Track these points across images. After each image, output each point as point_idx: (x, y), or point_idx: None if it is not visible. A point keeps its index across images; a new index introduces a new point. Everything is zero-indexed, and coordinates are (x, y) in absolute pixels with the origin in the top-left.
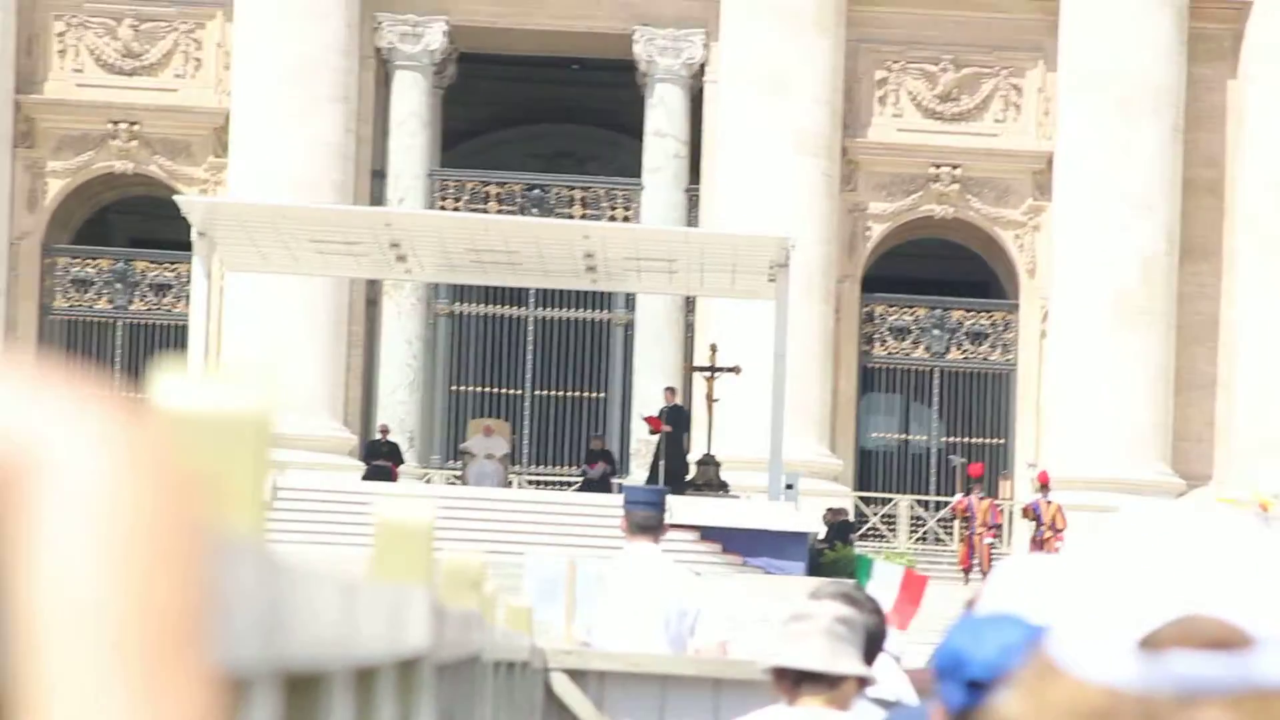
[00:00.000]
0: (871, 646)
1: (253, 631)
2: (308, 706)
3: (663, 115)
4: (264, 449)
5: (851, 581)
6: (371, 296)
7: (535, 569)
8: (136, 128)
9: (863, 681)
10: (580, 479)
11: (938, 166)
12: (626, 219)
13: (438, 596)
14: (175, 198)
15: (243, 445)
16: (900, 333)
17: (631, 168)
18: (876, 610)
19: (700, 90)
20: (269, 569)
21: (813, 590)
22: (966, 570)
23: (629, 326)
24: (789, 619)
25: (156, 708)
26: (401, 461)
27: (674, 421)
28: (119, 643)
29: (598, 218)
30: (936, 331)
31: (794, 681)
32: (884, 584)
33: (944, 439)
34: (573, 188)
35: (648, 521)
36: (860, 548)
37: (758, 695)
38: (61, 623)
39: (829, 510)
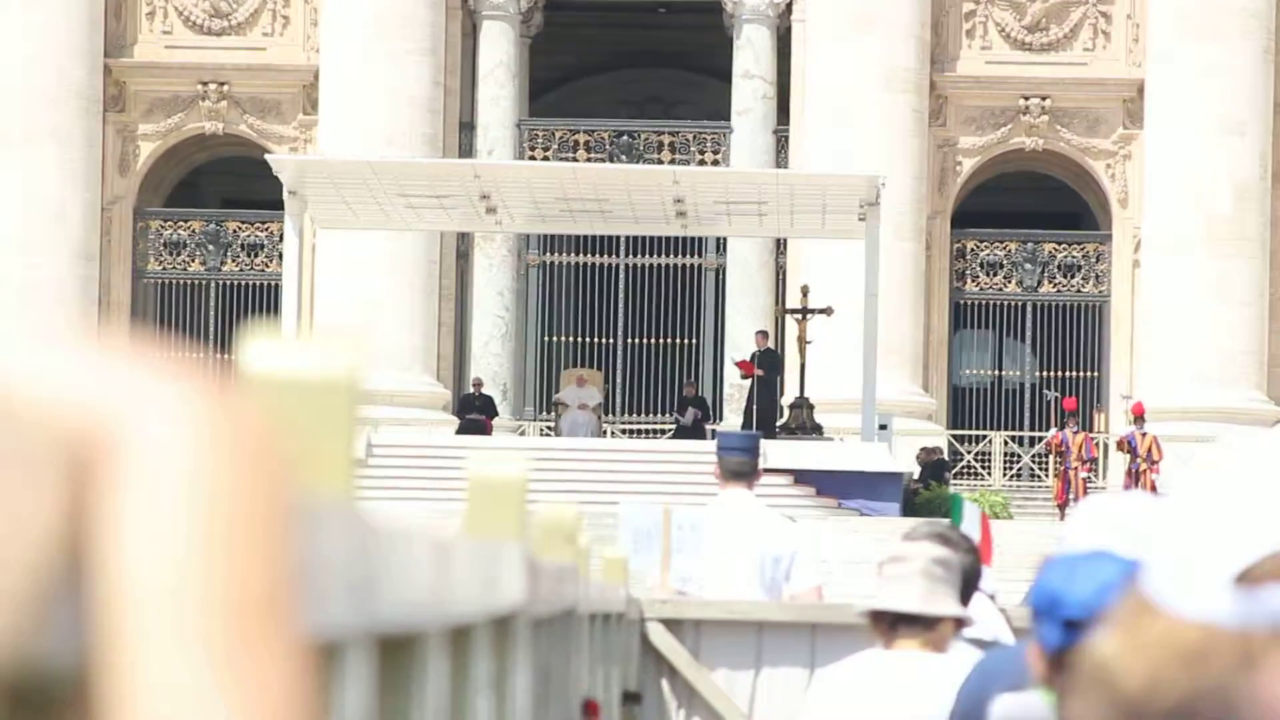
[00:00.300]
0: (967, 586)
1: (344, 595)
2: (402, 667)
3: (750, 56)
4: (353, 412)
5: (946, 521)
6: (462, 249)
7: (629, 518)
8: (226, 88)
9: (960, 622)
10: (674, 426)
11: (1027, 98)
12: (715, 162)
13: (532, 551)
14: (266, 156)
15: (332, 409)
16: (992, 268)
17: (720, 111)
18: (971, 549)
19: (788, 30)
20: (360, 532)
21: (907, 532)
22: (1063, 505)
23: (720, 271)
24: (885, 561)
25: (246, 683)
26: (495, 414)
27: (766, 365)
28: (206, 619)
29: (686, 162)
30: (1028, 265)
31: (890, 624)
32: (971, 523)
33: (1037, 374)
34: (661, 133)
35: (741, 468)
36: (955, 486)
37: (855, 639)
38: (147, 601)
39: (923, 449)
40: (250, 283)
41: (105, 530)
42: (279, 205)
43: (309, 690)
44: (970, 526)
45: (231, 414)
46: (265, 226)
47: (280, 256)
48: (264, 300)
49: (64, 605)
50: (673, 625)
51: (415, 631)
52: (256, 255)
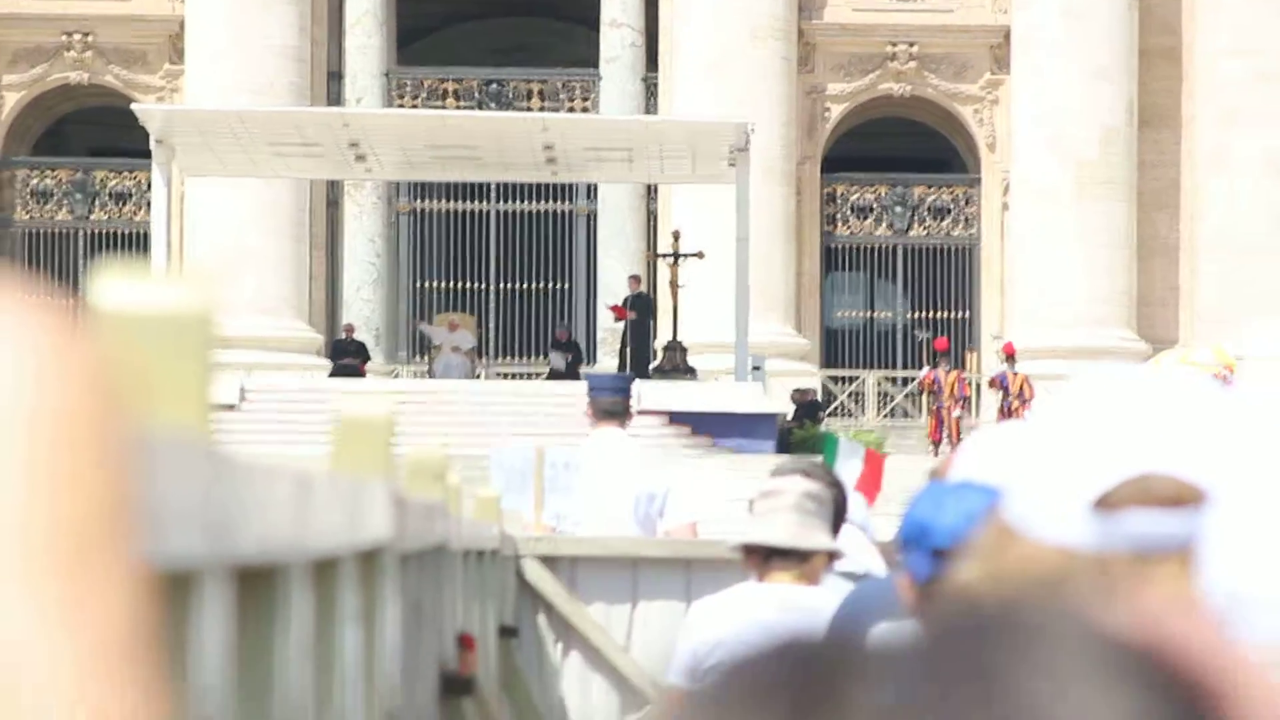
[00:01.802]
0: (836, 519)
1: (196, 527)
2: (264, 599)
3: (618, 4)
4: (207, 348)
5: (811, 457)
6: (332, 197)
7: (501, 459)
8: (90, 38)
9: (832, 556)
10: (547, 370)
11: (894, 45)
12: (585, 110)
13: (399, 488)
14: (133, 106)
15: (185, 345)
16: (862, 211)
17: (589, 59)
18: (836, 483)
19: None
20: (213, 466)
21: (775, 467)
22: (936, 443)
23: (591, 216)
24: (757, 496)
25: (77, 611)
26: (369, 359)
27: (639, 309)
28: (36, 547)
29: (556, 109)
30: (898, 209)
31: (764, 558)
32: (848, 461)
33: (909, 314)
34: (530, 80)
35: (614, 407)
36: (829, 425)
37: (729, 574)
38: None
39: (796, 390)
40: (119, 231)
41: None
42: (147, 154)
43: (148, 618)
44: (848, 463)
45: (66, 344)
46: (134, 175)
47: (149, 205)
48: (134, 248)
49: None
50: (548, 562)
51: (277, 564)
52: (125, 204)
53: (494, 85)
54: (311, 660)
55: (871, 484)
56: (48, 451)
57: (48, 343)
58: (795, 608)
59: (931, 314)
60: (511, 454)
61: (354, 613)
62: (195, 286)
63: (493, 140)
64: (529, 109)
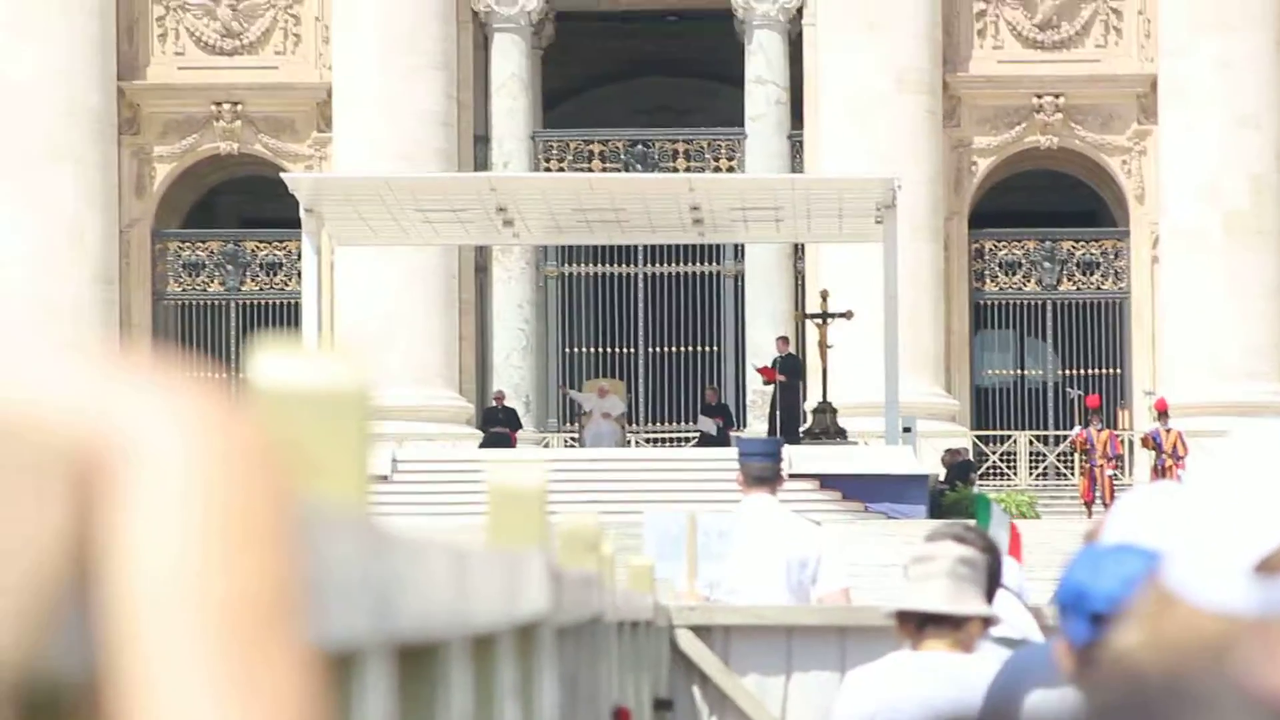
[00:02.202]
0: (990, 585)
1: (359, 605)
2: (424, 676)
3: (762, 62)
4: (365, 422)
5: (965, 521)
6: (480, 263)
7: (654, 526)
8: (239, 108)
9: (987, 621)
10: (697, 435)
11: (1040, 96)
12: (730, 169)
13: (554, 559)
14: (282, 175)
15: (343, 420)
16: (1011, 267)
17: (733, 117)
18: (990, 547)
19: (799, 34)
20: (374, 542)
21: (929, 533)
22: (1089, 504)
23: (739, 277)
24: (910, 562)
25: (253, 690)
26: (519, 427)
27: (788, 370)
28: (210, 629)
29: (702, 169)
30: (1047, 264)
31: (918, 625)
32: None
33: (1060, 372)
34: (675, 140)
35: (764, 473)
36: (981, 487)
37: (883, 641)
38: (152, 612)
39: (948, 451)
40: (270, 302)
41: (112, 542)
42: (296, 224)
43: (317, 698)
44: (997, 528)
45: (234, 425)
46: (283, 245)
47: (299, 275)
48: (285, 319)
49: (73, 619)
50: (702, 632)
51: (436, 641)
52: (275, 274)
53: (639, 146)
54: None
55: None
56: (221, 530)
57: (215, 421)
58: (951, 677)
59: (1082, 371)
60: (665, 520)
61: (512, 688)
62: (351, 358)
63: (639, 202)
64: (675, 169)
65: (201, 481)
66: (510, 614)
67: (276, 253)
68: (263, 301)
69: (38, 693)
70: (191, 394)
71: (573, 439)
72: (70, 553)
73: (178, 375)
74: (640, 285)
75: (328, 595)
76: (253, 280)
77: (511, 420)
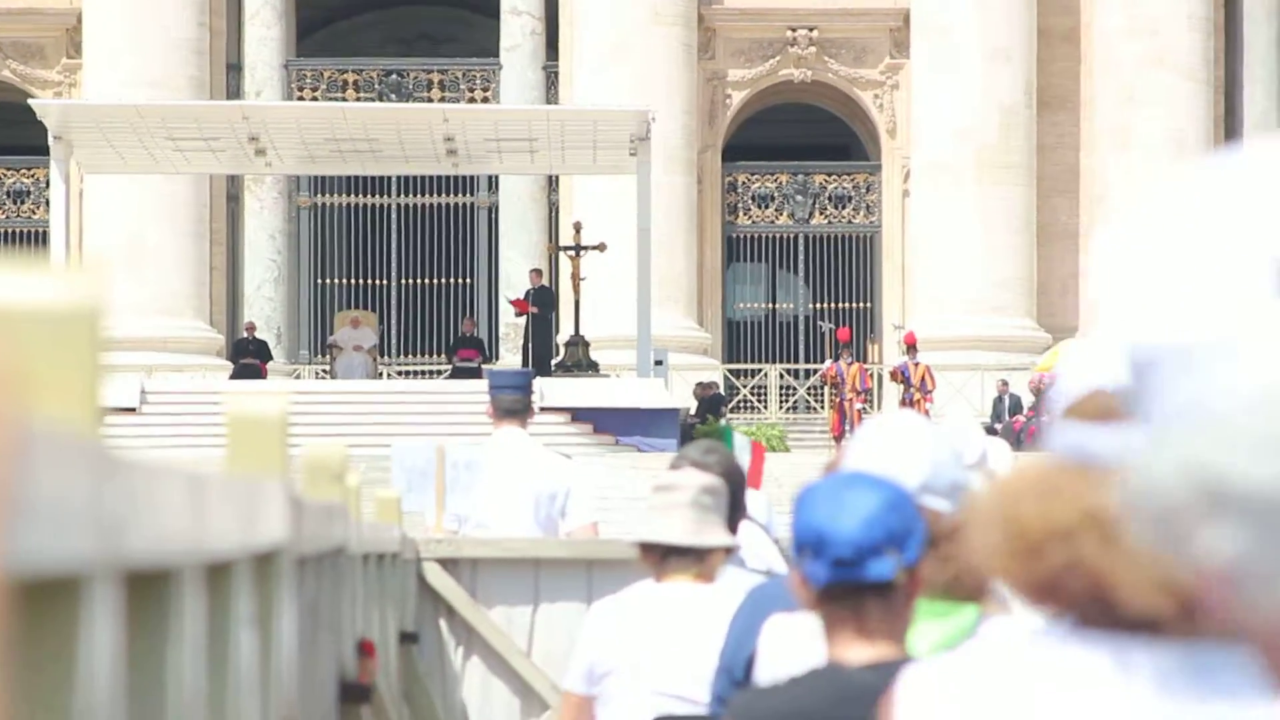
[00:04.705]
0: (732, 509)
1: (84, 528)
2: (156, 604)
3: None
4: (97, 342)
5: (706, 442)
6: (232, 193)
7: (402, 457)
8: None
9: (728, 550)
10: (450, 367)
11: (794, 29)
12: (485, 100)
13: (295, 489)
14: (30, 101)
15: (74, 341)
16: (763, 201)
17: (489, 48)
18: (731, 471)
19: None
20: (102, 466)
21: (673, 459)
22: (838, 437)
23: (493, 209)
24: (653, 490)
25: None
26: (270, 359)
27: (540, 303)
28: None
29: (456, 100)
30: (800, 197)
31: (661, 557)
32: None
33: (811, 305)
34: (430, 70)
35: (514, 405)
36: (732, 420)
37: (631, 574)
38: None
39: (699, 384)
40: (17, 230)
41: None
42: (45, 151)
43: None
44: (739, 454)
45: None
46: (31, 172)
47: (47, 203)
48: (32, 247)
49: None
50: (449, 564)
51: (169, 567)
52: (23, 202)
53: (394, 76)
54: (205, 666)
55: (754, 476)
56: None
57: None
58: (694, 608)
59: (833, 305)
60: (413, 452)
61: (248, 618)
62: (84, 278)
63: (393, 132)
64: (430, 100)
65: None
66: (247, 542)
67: (24, 180)
68: (10, 229)
69: None
70: None
71: (324, 371)
72: None
73: None
74: (394, 216)
75: (48, 517)
76: None
77: (262, 352)
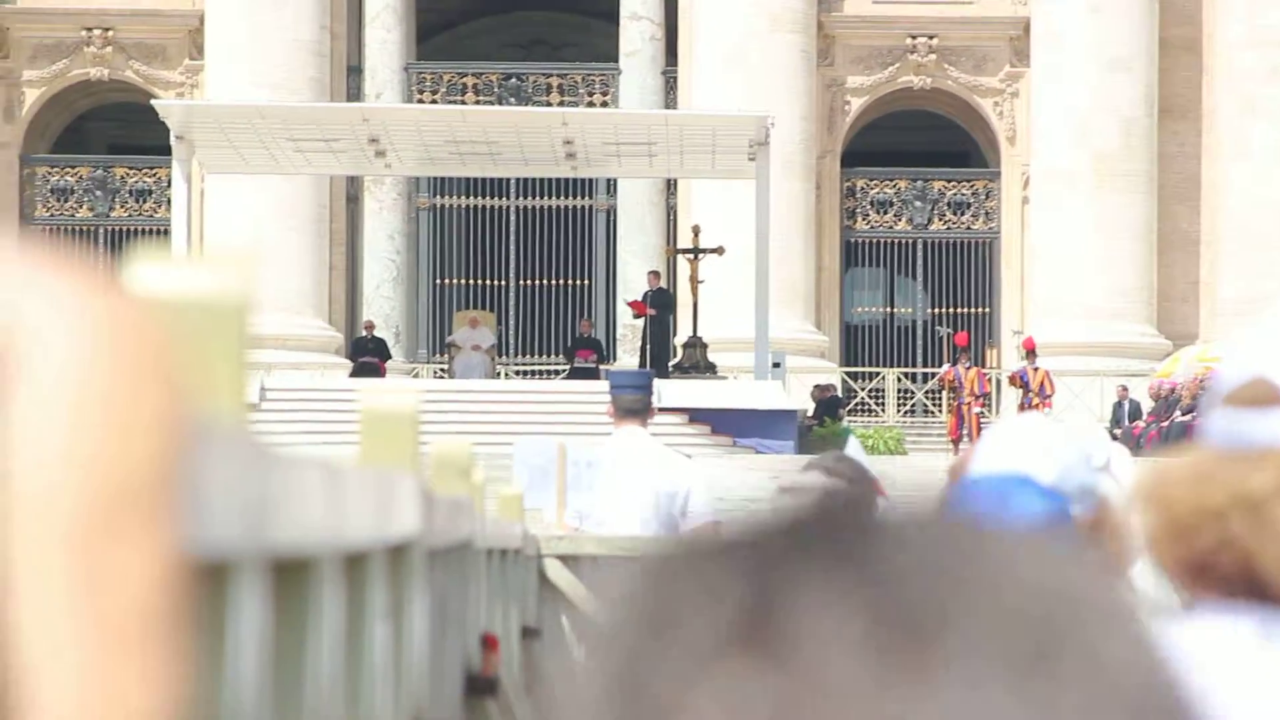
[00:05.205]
0: None
1: (234, 516)
2: (297, 591)
3: None
4: (244, 335)
5: (838, 452)
6: (352, 193)
7: (524, 455)
8: (110, 33)
9: None
10: (567, 368)
11: (914, 37)
12: (604, 104)
13: (426, 483)
14: (153, 102)
15: (222, 331)
16: (882, 206)
17: (608, 52)
18: (860, 478)
19: None
20: (250, 455)
21: (804, 464)
22: (956, 441)
23: (611, 212)
24: (778, 494)
25: (106, 583)
26: (388, 357)
27: (659, 305)
28: (73, 516)
29: (575, 104)
30: (918, 203)
31: None
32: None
33: (929, 310)
34: (549, 75)
35: (634, 405)
36: (849, 423)
37: None
38: (25, 496)
39: (816, 387)
40: (139, 228)
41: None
42: (167, 151)
43: (174, 599)
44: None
45: (125, 316)
46: (153, 172)
47: (169, 202)
48: (153, 245)
49: None
50: (570, 561)
51: (310, 557)
52: (145, 201)
53: (513, 80)
54: (342, 656)
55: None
56: (97, 421)
57: (105, 314)
58: None
59: (952, 310)
60: (535, 450)
61: (383, 609)
62: (231, 273)
63: (512, 135)
64: (548, 104)
65: (84, 372)
66: (382, 534)
67: (146, 179)
68: (132, 228)
69: None
70: (84, 286)
71: (442, 370)
72: None
73: (70, 269)
74: (512, 218)
75: (205, 504)
76: (122, 207)
77: (381, 350)
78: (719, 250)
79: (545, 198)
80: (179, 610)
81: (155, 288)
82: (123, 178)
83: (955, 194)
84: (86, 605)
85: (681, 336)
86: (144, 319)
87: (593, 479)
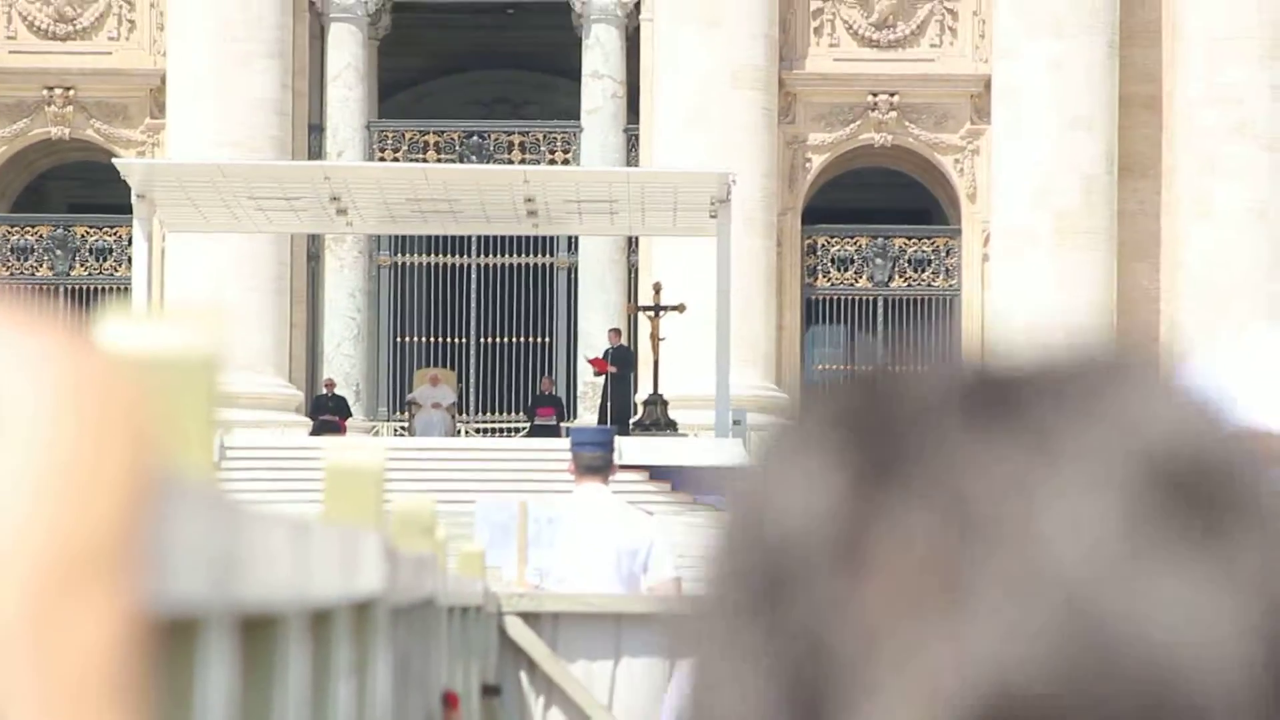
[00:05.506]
0: None
1: (202, 572)
2: (263, 648)
3: (599, 56)
4: (213, 390)
5: None
6: (313, 251)
7: (485, 513)
8: (72, 93)
9: None
10: (528, 425)
11: (875, 95)
12: (566, 162)
13: (390, 540)
14: (114, 160)
15: (191, 387)
16: (843, 263)
17: (570, 110)
18: None
19: (636, 29)
20: (219, 510)
21: None
22: None
23: (572, 270)
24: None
25: (64, 641)
26: (349, 415)
27: (619, 362)
28: (31, 573)
29: (537, 162)
30: (879, 260)
31: None
32: None
33: (891, 368)
34: (511, 133)
35: (595, 462)
36: None
37: None
38: None
39: None
40: (100, 287)
41: None
42: (128, 209)
43: (134, 658)
44: None
45: (93, 372)
46: (114, 231)
47: (129, 260)
48: (114, 304)
49: None
50: (531, 619)
51: (276, 614)
52: (105, 259)
53: (475, 138)
54: (308, 714)
55: None
56: (62, 476)
57: (74, 368)
58: None
59: (913, 367)
60: (495, 508)
61: (347, 666)
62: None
63: (474, 193)
64: (510, 162)
65: (50, 430)
66: (348, 591)
67: (107, 238)
68: (92, 286)
69: None
70: (52, 342)
71: (403, 428)
72: None
73: (37, 324)
74: (473, 275)
75: (171, 559)
76: (82, 265)
77: (341, 408)
78: (680, 307)
79: (506, 255)
80: (139, 671)
81: (124, 344)
82: (83, 236)
83: (916, 251)
84: (45, 668)
85: (642, 394)
86: (113, 375)
87: (553, 535)
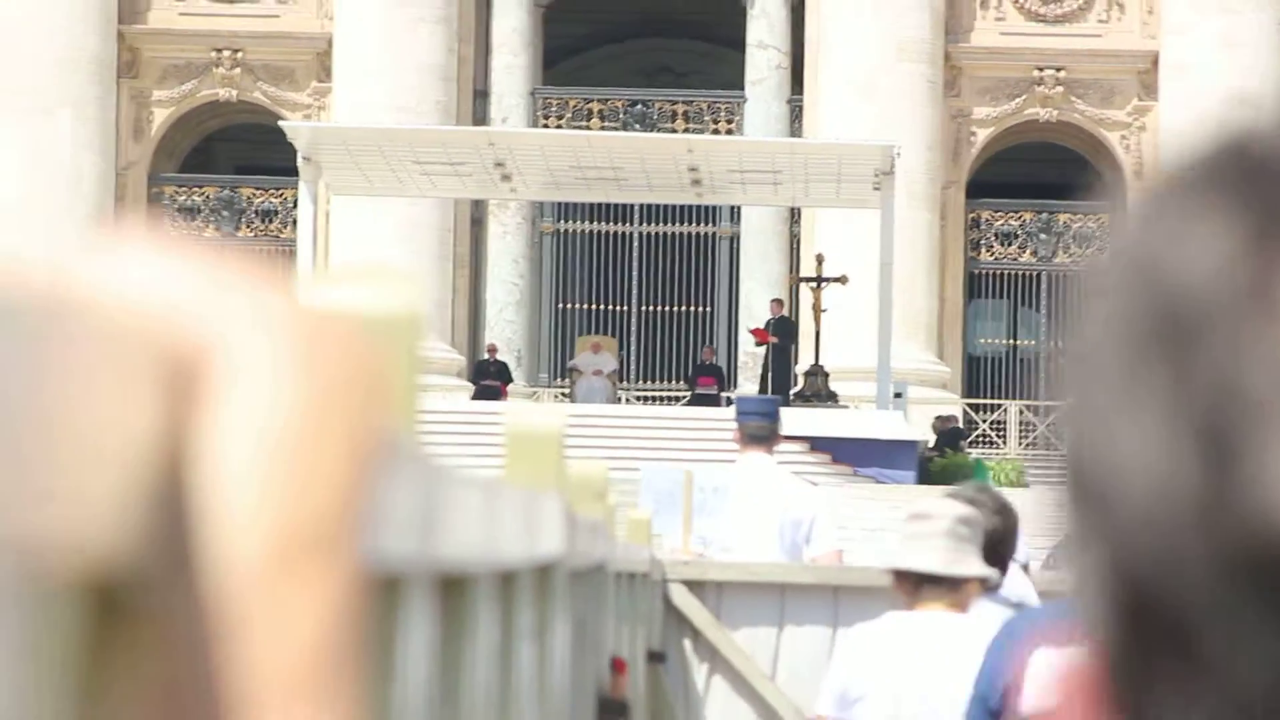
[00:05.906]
0: (1000, 550)
1: (409, 532)
2: (457, 608)
3: (764, 26)
4: (417, 351)
5: (978, 483)
6: (476, 216)
7: (651, 481)
8: (240, 55)
9: (984, 582)
10: (688, 394)
11: (1041, 69)
12: (729, 132)
13: (569, 505)
14: (280, 123)
15: (398, 347)
16: (1006, 238)
17: (734, 81)
18: (1000, 510)
19: (802, 0)
20: (423, 470)
21: (948, 491)
22: None
23: (734, 239)
24: (908, 519)
25: (296, 601)
26: (510, 380)
27: (781, 333)
28: (270, 534)
29: (701, 131)
30: (1043, 235)
31: (914, 584)
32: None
33: (1052, 343)
34: (675, 102)
35: (760, 432)
36: (970, 454)
37: (876, 602)
38: (222, 515)
39: (938, 418)
40: (264, 249)
41: (199, 447)
42: (293, 172)
43: (360, 618)
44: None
45: (332, 330)
46: (280, 193)
47: (294, 223)
48: (279, 266)
49: (161, 523)
50: (695, 586)
51: (469, 573)
52: (271, 221)
53: (639, 107)
54: (496, 674)
55: None
56: (299, 440)
57: (312, 331)
58: (947, 637)
59: None
60: (661, 476)
61: (530, 628)
62: (396, 291)
63: (637, 161)
64: (674, 131)
65: (290, 389)
66: (531, 553)
67: (272, 200)
68: (257, 248)
69: (118, 592)
70: (291, 302)
71: (563, 394)
72: (161, 456)
73: (275, 283)
74: (635, 244)
75: (383, 519)
76: (247, 226)
77: (503, 374)
78: (842, 279)
79: (669, 224)
80: (365, 635)
81: (328, 304)
82: (249, 198)
83: (1081, 226)
84: (277, 623)
85: (803, 365)
86: (349, 335)
87: (718, 504)
